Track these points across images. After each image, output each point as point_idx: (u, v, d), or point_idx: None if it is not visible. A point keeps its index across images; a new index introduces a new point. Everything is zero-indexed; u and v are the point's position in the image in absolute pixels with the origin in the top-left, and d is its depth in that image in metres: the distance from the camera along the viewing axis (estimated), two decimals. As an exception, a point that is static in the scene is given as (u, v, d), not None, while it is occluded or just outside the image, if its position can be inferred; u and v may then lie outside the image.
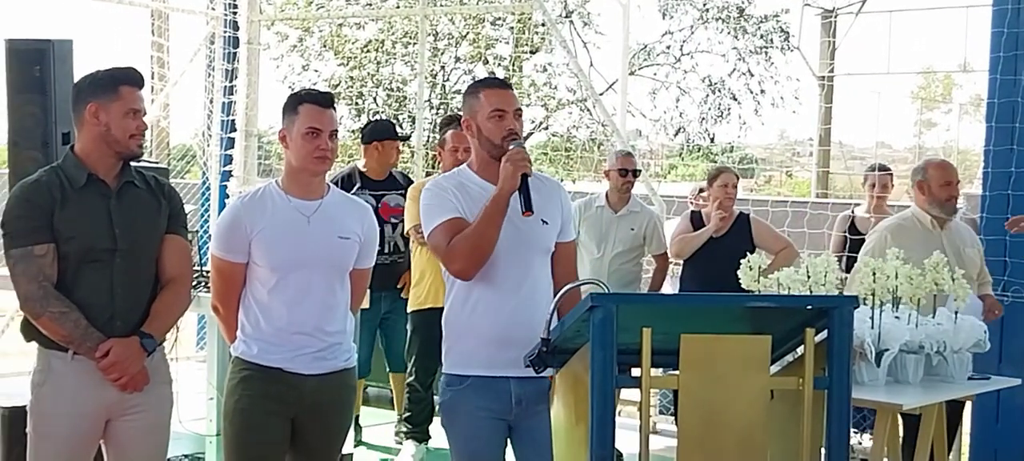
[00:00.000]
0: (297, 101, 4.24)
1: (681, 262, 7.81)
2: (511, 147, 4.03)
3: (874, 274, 5.26)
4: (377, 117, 16.85)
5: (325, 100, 4.26)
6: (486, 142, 4.12)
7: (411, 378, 7.17)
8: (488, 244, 4.02)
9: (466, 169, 4.23)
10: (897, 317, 5.26)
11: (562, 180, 13.73)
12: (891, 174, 8.49)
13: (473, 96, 4.18)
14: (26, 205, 4.04)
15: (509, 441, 4.21)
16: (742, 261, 5.57)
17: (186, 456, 6.99)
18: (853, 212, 8.22)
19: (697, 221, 7.68)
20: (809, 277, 5.28)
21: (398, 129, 7.93)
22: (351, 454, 7.15)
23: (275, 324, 4.24)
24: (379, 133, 7.67)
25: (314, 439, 4.35)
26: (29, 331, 4.13)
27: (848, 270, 6.93)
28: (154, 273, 4.20)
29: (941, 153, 24.56)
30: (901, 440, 6.07)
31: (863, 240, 7.61)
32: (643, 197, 8.91)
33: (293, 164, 4.27)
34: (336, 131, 4.27)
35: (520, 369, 3.98)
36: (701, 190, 9.19)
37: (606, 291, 3.72)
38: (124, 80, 4.11)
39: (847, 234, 7.98)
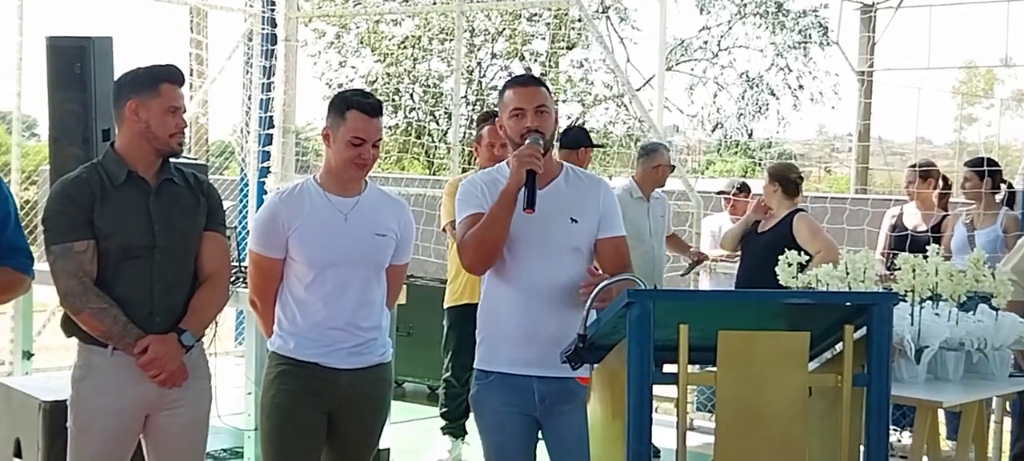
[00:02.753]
0: (346, 105, 4.23)
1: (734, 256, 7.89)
2: (526, 143, 4.03)
3: (913, 270, 5.22)
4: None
5: (373, 110, 4.24)
6: (509, 139, 4.15)
7: (447, 374, 7.18)
8: (493, 240, 4.04)
9: (503, 166, 4.24)
10: (937, 314, 5.22)
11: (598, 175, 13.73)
12: (930, 175, 8.22)
13: (501, 95, 4.23)
14: (67, 201, 4.07)
15: (542, 438, 4.22)
16: (780, 258, 5.55)
17: (225, 450, 7.03)
18: (902, 210, 8.11)
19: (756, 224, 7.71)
20: (848, 273, 5.25)
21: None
22: (388, 449, 7.17)
23: (311, 319, 4.26)
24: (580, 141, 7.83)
25: (350, 433, 4.37)
26: (69, 326, 4.16)
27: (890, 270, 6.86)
28: (193, 269, 4.22)
29: (982, 149, 24.36)
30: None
31: (910, 238, 7.57)
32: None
33: (333, 164, 4.29)
34: (380, 140, 4.29)
35: (543, 368, 4.02)
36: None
37: (643, 287, 3.71)
38: (165, 77, 4.13)
39: (892, 233, 7.92)
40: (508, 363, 4.13)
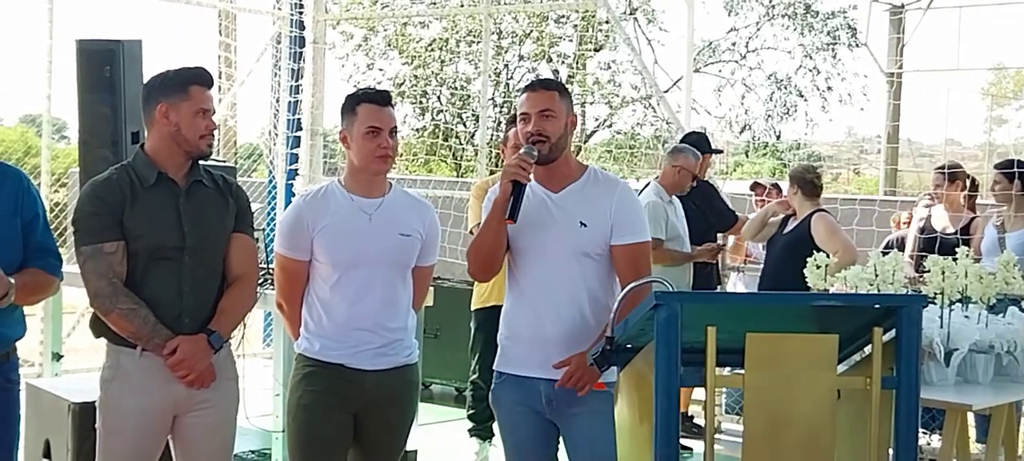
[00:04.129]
0: (355, 101, 4.28)
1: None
2: (521, 152, 4.05)
3: (943, 272, 5.19)
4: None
5: (382, 98, 4.30)
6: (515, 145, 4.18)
7: (474, 376, 7.18)
8: (486, 249, 4.10)
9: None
10: (967, 316, 5.19)
11: (626, 178, 13.70)
12: (957, 177, 8.14)
13: (518, 99, 4.23)
14: (97, 203, 4.09)
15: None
16: (808, 259, 5.53)
17: (253, 451, 7.05)
18: (930, 213, 8.07)
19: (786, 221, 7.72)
20: (877, 275, 5.23)
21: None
22: (415, 451, 7.18)
23: (337, 320, 4.28)
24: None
25: (376, 434, 4.37)
26: (99, 327, 4.18)
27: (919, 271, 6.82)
28: (221, 271, 4.23)
29: (1012, 151, 24.21)
30: None
31: (939, 240, 7.53)
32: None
33: (355, 163, 4.30)
34: (396, 128, 4.31)
35: (549, 370, 4.03)
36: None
37: (671, 289, 3.70)
38: (194, 80, 4.15)
39: (920, 235, 7.88)
40: (519, 365, 4.18)
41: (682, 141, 8.32)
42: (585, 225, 4.11)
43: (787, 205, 7.63)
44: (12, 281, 3.96)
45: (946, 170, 8.07)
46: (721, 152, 8.96)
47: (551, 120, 4.09)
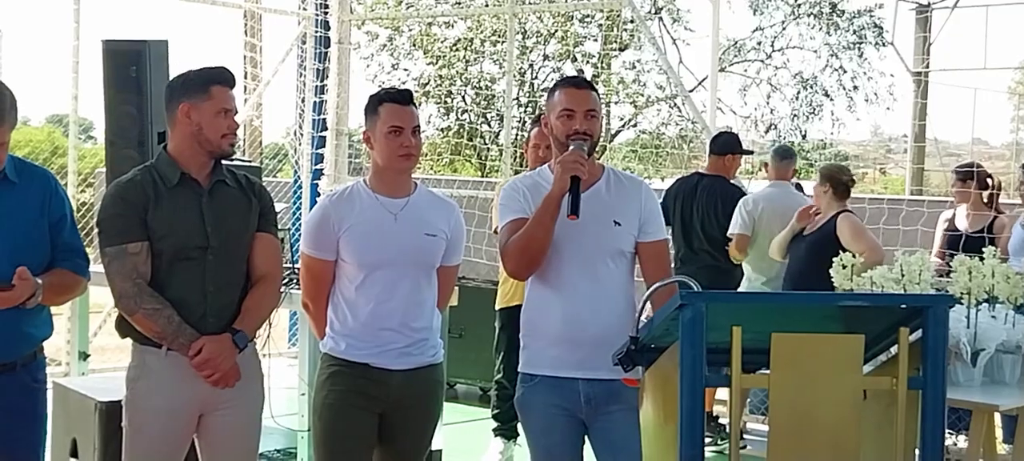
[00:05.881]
0: (377, 101, 4.30)
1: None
2: (571, 147, 4.02)
3: (970, 272, 5.16)
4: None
5: (403, 97, 4.31)
6: (555, 140, 4.13)
7: (499, 375, 7.18)
8: (536, 245, 4.03)
9: (546, 169, 4.23)
10: (994, 316, 5.16)
11: (651, 178, 13.68)
12: (974, 176, 8.07)
13: (551, 94, 4.20)
14: (121, 203, 4.11)
15: (587, 440, 4.21)
16: (834, 259, 5.51)
17: (278, 451, 7.07)
18: (954, 213, 8.03)
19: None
20: (903, 275, 5.20)
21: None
22: (440, 450, 7.18)
23: (362, 320, 4.28)
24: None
25: (402, 434, 4.38)
26: (124, 327, 4.20)
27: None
28: (245, 271, 4.24)
29: (1039, 149, 24.05)
30: None
31: (964, 239, 7.49)
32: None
33: (379, 163, 4.31)
34: (418, 127, 4.32)
35: (588, 370, 4.02)
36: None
37: (696, 289, 3.69)
38: (215, 80, 4.16)
39: (947, 233, 7.84)
40: (553, 366, 4.12)
41: (714, 140, 8.32)
42: (619, 223, 4.12)
43: (807, 216, 7.56)
44: (40, 281, 3.99)
45: (961, 170, 8.07)
46: (751, 153, 8.97)
47: (594, 120, 4.10)
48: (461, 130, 23.93)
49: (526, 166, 7.64)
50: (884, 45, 25.69)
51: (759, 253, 7.79)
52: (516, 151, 11.30)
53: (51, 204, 4.15)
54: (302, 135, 11.01)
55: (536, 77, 25.10)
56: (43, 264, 4.07)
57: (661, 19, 25.77)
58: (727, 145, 8.13)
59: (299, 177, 11.15)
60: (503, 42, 20.54)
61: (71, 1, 9.39)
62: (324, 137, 10.69)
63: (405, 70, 25.11)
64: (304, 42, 11.04)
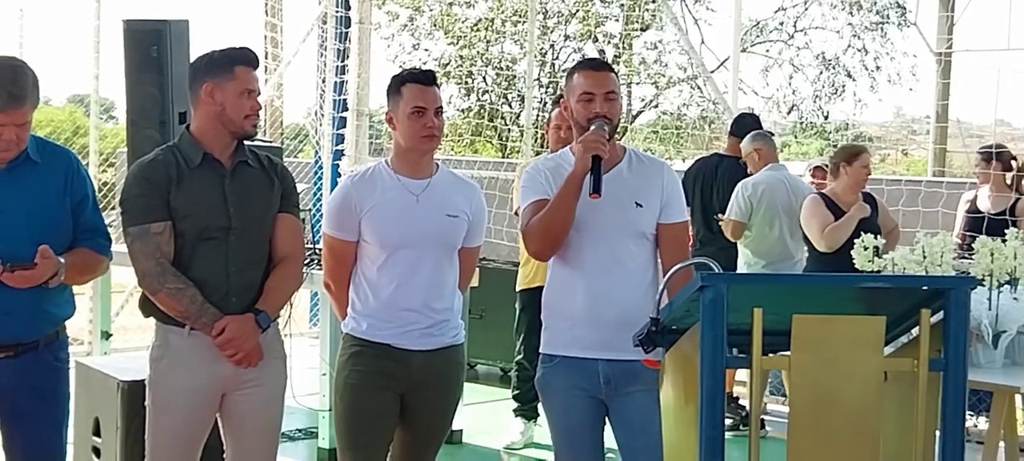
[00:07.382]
0: (400, 82, 4.29)
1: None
2: (592, 128, 4.02)
3: (992, 254, 5.15)
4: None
5: (427, 78, 4.30)
6: (576, 124, 4.12)
7: (519, 356, 7.19)
8: (559, 225, 4.03)
9: (567, 151, 4.22)
10: (1015, 298, 5.14)
11: (672, 159, 13.64)
12: (998, 157, 7.99)
13: (569, 77, 4.20)
14: (144, 183, 4.12)
15: (607, 420, 4.22)
16: (855, 241, 5.50)
17: (300, 430, 7.10)
18: (976, 194, 8.00)
19: (828, 204, 7.42)
20: (925, 257, 5.19)
21: None
22: (461, 430, 7.21)
23: (383, 301, 4.29)
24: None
25: (423, 414, 4.39)
26: (147, 307, 4.22)
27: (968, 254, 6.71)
28: (267, 251, 4.26)
29: (1063, 130, 23.89)
30: None
31: (986, 221, 7.45)
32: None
33: (402, 144, 4.31)
34: (441, 108, 4.31)
35: (609, 350, 4.02)
36: (818, 168, 9.07)
37: (716, 270, 3.69)
38: (239, 60, 4.16)
39: (968, 214, 7.81)
40: (574, 346, 4.13)
41: (735, 122, 8.28)
42: (640, 205, 4.12)
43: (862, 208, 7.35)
44: (62, 261, 4.02)
45: (984, 151, 8.05)
46: (772, 135, 8.93)
47: (613, 102, 4.10)
48: (482, 111, 23.89)
49: (547, 146, 7.63)
50: (907, 25, 25.52)
51: (759, 236, 7.66)
52: (537, 132, 11.28)
53: (73, 184, 4.17)
54: (323, 115, 11.01)
55: (557, 57, 25.02)
56: (65, 243, 4.10)
57: (683, -1, 25.67)
58: (747, 127, 8.08)
59: (320, 157, 11.16)
60: (524, 22, 20.51)
61: (93, -19, 9.42)
62: (345, 118, 10.66)
63: (426, 50, 25.06)
64: (325, 22, 11.03)
